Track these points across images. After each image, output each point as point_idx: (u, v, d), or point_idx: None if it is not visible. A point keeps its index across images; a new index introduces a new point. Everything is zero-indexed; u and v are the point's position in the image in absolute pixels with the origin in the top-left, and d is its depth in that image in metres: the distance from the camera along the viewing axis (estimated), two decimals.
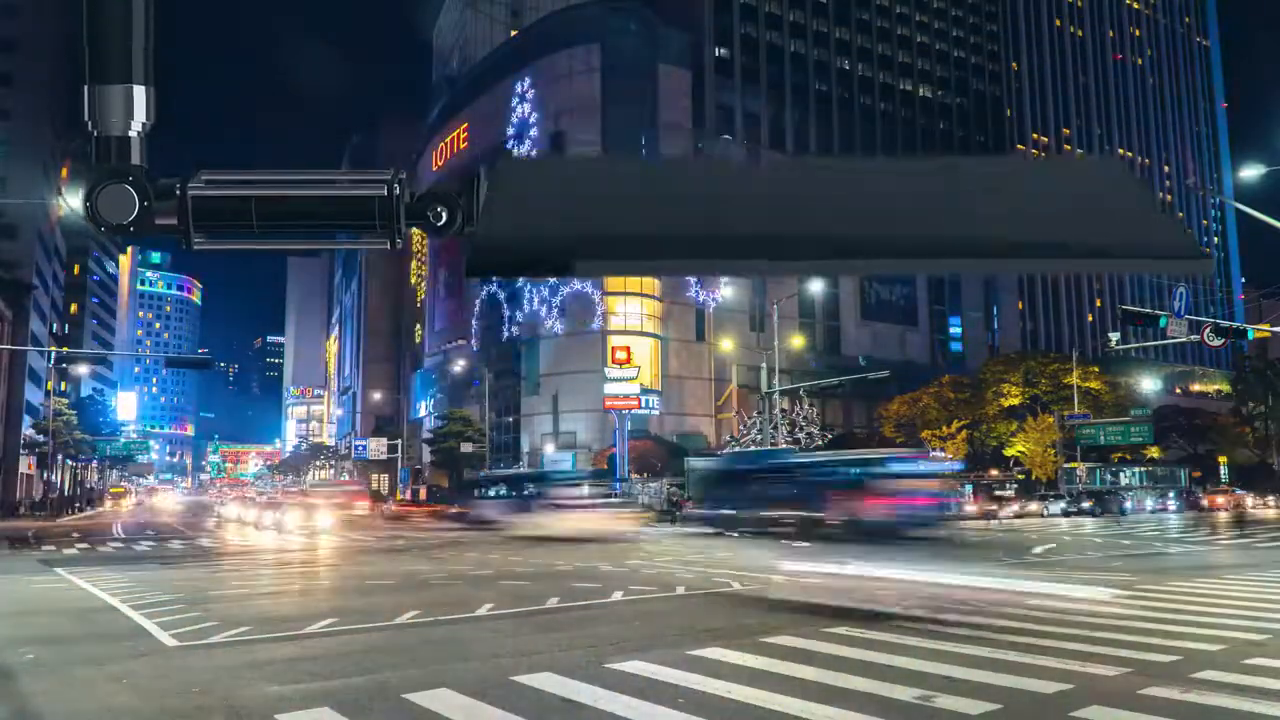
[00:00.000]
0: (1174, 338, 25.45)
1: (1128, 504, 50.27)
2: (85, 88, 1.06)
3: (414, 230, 1.10)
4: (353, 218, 1.04)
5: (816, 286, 69.45)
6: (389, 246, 1.08)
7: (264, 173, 1.07)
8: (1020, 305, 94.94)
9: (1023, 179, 0.99)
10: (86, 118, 1.07)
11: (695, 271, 1.06)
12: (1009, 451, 61.94)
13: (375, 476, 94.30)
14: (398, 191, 1.04)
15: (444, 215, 1.07)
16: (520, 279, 0.95)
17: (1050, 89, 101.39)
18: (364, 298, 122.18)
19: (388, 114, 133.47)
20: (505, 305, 76.19)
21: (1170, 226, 0.98)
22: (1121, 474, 57.07)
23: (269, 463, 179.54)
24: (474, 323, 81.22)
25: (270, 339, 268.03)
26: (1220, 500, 54.74)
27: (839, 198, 0.99)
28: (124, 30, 1.06)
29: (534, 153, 66.14)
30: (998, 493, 50.24)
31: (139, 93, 1.07)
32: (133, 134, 1.10)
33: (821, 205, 0.99)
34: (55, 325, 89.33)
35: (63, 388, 79.14)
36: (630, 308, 70.78)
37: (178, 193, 1.04)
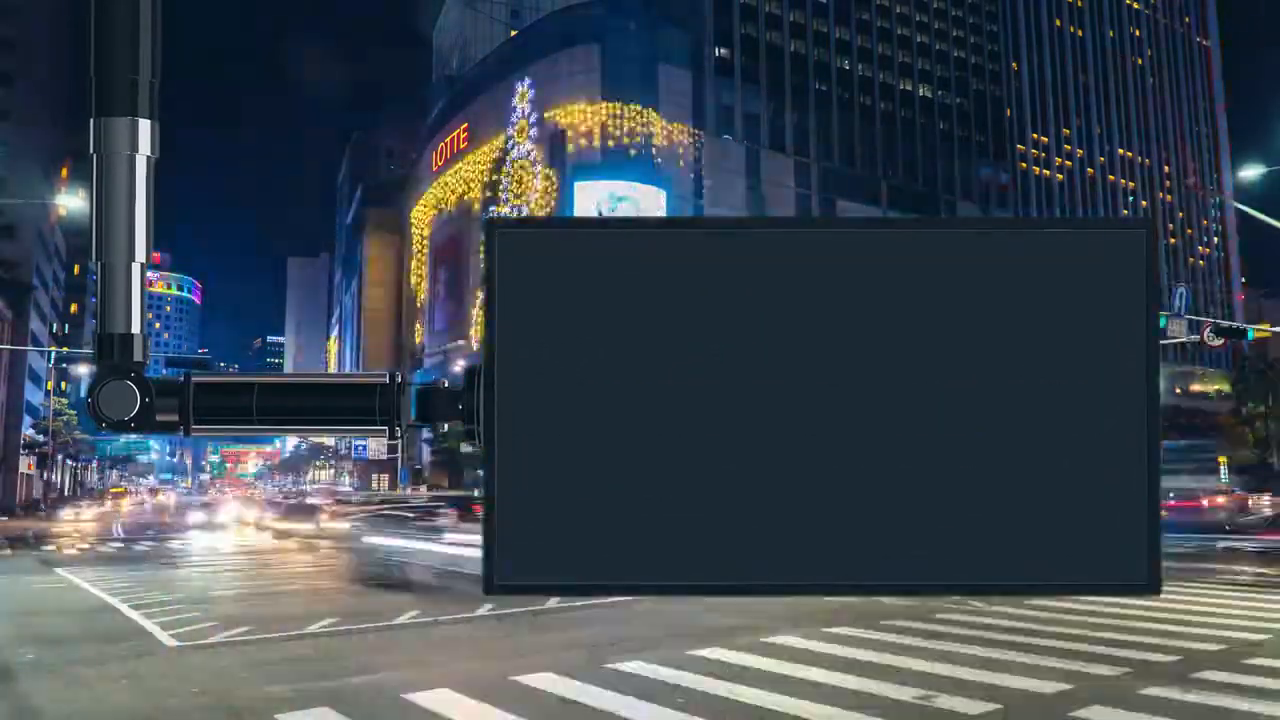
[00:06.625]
0: (1174, 338, 25.36)
1: None
2: (91, 121, 1.08)
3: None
4: (352, 414, 1.06)
5: None
6: (389, 437, 1.08)
7: (264, 375, 1.10)
8: None
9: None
10: (93, 150, 1.10)
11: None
12: None
13: (375, 476, 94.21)
14: (398, 386, 1.04)
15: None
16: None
17: (1050, 89, 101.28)
18: (364, 298, 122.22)
19: (388, 113, 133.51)
20: None
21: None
22: None
23: (269, 462, 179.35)
24: (473, 323, 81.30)
25: (270, 339, 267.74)
26: (1221, 500, 54.36)
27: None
28: (131, 64, 1.08)
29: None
30: None
31: (144, 126, 1.10)
32: (135, 331, 1.15)
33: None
34: (55, 325, 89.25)
35: (63, 388, 79.12)
36: None
37: (178, 393, 1.07)
